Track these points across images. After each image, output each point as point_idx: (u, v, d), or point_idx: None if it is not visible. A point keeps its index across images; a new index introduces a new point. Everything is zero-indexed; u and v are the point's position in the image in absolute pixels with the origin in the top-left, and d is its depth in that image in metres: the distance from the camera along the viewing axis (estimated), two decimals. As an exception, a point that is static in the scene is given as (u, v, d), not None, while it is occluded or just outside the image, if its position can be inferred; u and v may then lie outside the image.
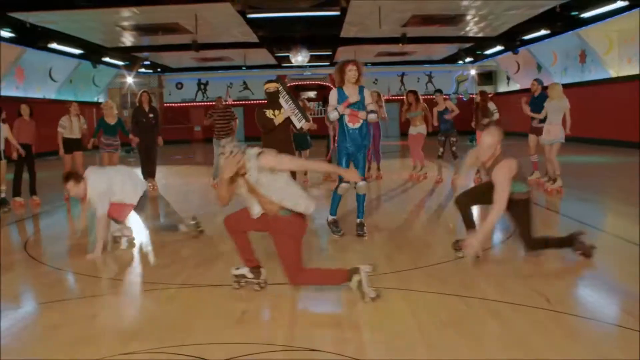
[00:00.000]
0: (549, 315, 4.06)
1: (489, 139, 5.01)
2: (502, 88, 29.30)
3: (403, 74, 31.30)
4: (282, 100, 7.33)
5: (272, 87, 7.42)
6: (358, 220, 6.88)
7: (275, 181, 4.27)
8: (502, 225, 7.68)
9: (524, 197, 5.14)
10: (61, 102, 21.47)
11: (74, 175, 6.11)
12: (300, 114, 7.26)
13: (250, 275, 4.78)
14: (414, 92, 11.88)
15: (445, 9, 15.66)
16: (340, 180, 6.73)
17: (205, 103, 31.68)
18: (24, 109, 10.13)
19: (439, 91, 11.92)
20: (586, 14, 16.09)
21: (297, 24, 17.48)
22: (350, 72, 6.48)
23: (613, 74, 19.09)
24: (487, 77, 29.95)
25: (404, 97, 11.96)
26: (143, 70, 27.21)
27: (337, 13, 15.02)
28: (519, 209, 5.15)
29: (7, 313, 4.37)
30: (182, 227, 6.87)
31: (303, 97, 32.91)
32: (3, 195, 9.56)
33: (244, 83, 31.60)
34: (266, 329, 3.98)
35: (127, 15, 15.53)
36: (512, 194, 4.96)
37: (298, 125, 7.31)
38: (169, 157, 19.80)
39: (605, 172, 13.04)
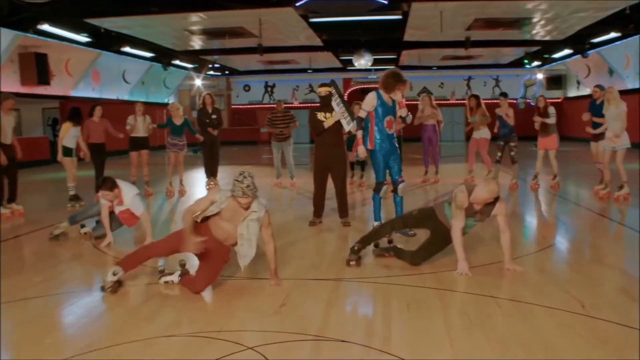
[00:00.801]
0: (580, 320, 4.08)
1: (485, 195, 5.18)
2: (572, 92, 28.53)
3: (469, 78, 30.96)
4: (333, 103, 7.54)
5: (324, 91, 7.65)
6: (376, 224, 6.99)
7: (255, 233, 4.85)
8: (545, 233, 7.69)
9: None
10: (132, 103, 22.55)
11: (109, 181, 6.65)
12: (349, 117, 7.43)
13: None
14: (476, 97, 11.87)
15: (509, 12, 15.47)
16: (380, 182, 6.92)
17: (272, 105, 32.30)
18: (98, 111, 10.67)
19: (504, 95, 11.84)
20: (659, 16, 15.57)
21: (359, 28, 17.65)
22: (400, 91, 6.73)
23: (689, 78, 18.36)
24: (555, 81, 29.22)
25: (467, 102, 11.97)
26: (212, 72, 28.02)
27: (399, 17, 15.11)
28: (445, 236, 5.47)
29: (82, 297, 4.81)
30: None
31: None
32: (73, 192, 10.13)
33: (310, 86, 31.99)
34: (301, 320, 4.16)
35: (195, 20, 16.12)
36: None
37: (347, 128, 7.49)
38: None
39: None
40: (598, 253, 6.40)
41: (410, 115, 7.12)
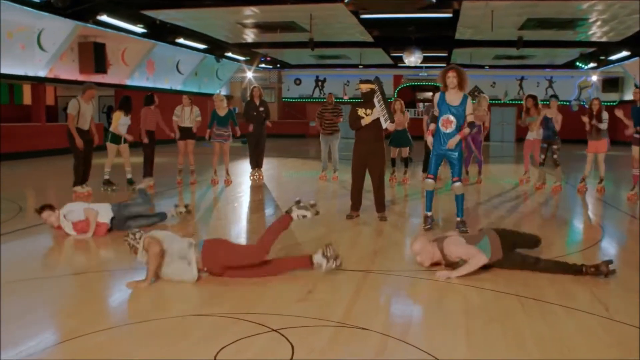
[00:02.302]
0: (602, 322, 4.12)
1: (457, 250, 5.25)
2: (629, 96, 27.69)
3: (522, 78, 30.46)
4: (375, 100, 7.65)
5: (365, 87, 7.77)
6: (458, 219, 7.18)
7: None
8: (578, 236, 7.63)
9: None
10: (184, 93, 23.08)
11: (48, 206, 6.84)
12: (387, 115, 7.53)
13: None
14: (533, 97, 11.79)
15: (562, 12, 15.22)
16: (426, 175, 7.26)
17: (322, 100, 32.53)
18: (156, 99, 11.18)
19: (555, 97, 11.70)
20: None
21: (410, 25, 17.64)
22: (449, 79, 6.86)
23: None
24: (612, 83, 28.45)
25: (524, 102, 11.92)
26: (263, 65, 28.39)
27: (449, 15, 15.06)
28: None
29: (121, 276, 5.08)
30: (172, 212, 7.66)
31: (419, 97, 33.00)
32: (129, 176, 10.72)
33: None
34: (325, 307, 4.32)
35: (247, 13, 16.42)
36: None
37: (384, 125, 7.60)
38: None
39: None
40: (634, 258, 6.34)
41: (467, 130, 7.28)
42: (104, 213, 6.85)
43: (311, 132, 32.22)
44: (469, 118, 7.07)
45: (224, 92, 28.42)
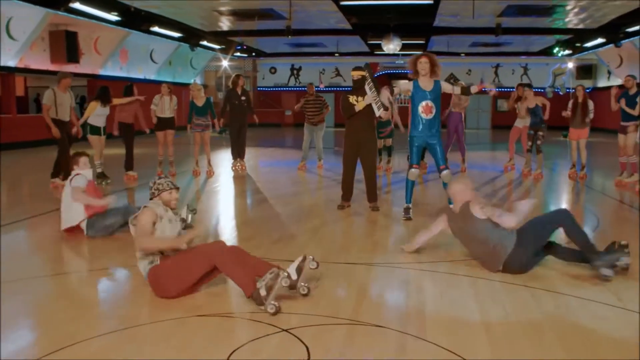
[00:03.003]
0: (617, 312, 4.03)
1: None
2: (602, 83, 28.01)
3: (498, 65, 30.56)
4: (366, 87, 7.46)
5: (357, 74, 7.58)
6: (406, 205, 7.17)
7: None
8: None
9: None
10: (159, 82, 22.63)
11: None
12: (380, 102, 7.36)
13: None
14: (522, 86, 11.87)
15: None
16: (410, 166, 7.10)
17: (297, 89, 32.27)
18: (135, 91, 10.83)
19: (528, 86, 11.75)
20: (700, 4, 15.16)
21: (389, 12, 17.47)
22: (421, 64, 6.82)
23: None
24: (586, 70, 28.71)
25: (515, 90, 11.96)
26: (238, 54, 27.99)
27: (431, 2, 14.93)
28: None
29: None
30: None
31: (394, 86, 32.91)
32: (100, 169, 10.23)
33: (336, 69, 31.87)
34: (333, 304, 4.15)
35: (224, 0, 16.07)
36: None
37: (377, 114, 7.43)
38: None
39: None
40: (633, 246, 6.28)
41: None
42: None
43: (287, 121, 32.02)
44: (457, 88, 7.07)
45: (198, 81, 27.93)
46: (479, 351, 3.38)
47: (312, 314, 3.89)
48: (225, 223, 7.41)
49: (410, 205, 7.16)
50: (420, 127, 6.92)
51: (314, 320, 3.80)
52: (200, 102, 11.30)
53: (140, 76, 23.29)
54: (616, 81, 25.95)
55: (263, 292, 3.86)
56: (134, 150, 10.96)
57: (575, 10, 16.85)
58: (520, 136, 11.90)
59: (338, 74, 31.89)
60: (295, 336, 3.52)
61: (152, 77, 24.12)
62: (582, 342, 3.52)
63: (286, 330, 3.59)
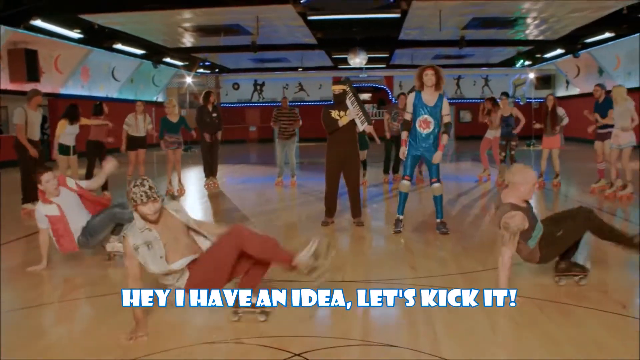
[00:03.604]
0: (625, 320, 4.03)
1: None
2: (561, 92, 28.66)
3: (459, 77, 30.98)
4: (348, 102, 7.41)
5: (338, 89, 7.50)
6: (438, 220, 7.08)
7: None
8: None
9: None
10: (122, 101, 22.23)
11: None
12: (363, 117, 7.33)
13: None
14: (492, 100, 12.08)
15: (507, 12, 15.46)
16: (402, 177, 7.09)
17: (261, 104, 32.14)
18: (105, 108, 10.57)
19: (506, 94, 11.91)
20: (656, 16, 15.62)
21: (355, 26, 17.54)
22: (427, 76, 6.72)
23: (683, 77, 18.49)
24: (545, 81, 29.37)
25: (483, 103, 12.12)
26: (201, 70, 27.73)
27: (398, 15, 15.04)
28: None
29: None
30: None
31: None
32: None
33: (300, 84, 31.84)
34: (340, 324, 4.04)
35: (190, 16, 15.89)
36: None
37: (361, 128, 7.40)
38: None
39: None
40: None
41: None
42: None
43: (251, 136, 31.82)
44: (446, 119, 6.95)
45: (160, 98, 27.59)
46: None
47: (321, 336, 3.78)
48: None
49: (402, 217, 7.11)
50: (417, 139, 6.88)
51: (324, 342, 3.68)
52: (174, 119, 11.11)
53: (102, 94, 22.81)
54: (574, 90, 26.65)
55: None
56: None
57: (536, 22, 17.17)
58: (491, 147, 12.02)
59: (301, 89, 31.87)
60: (309, 360, 3.40)
61: (114, 95, 23.68)
62: (600, 352, 3.50)
63: (299, 355, 3.47)
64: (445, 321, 4.04)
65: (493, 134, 11.86)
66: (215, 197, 10.99)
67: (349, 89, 7.47)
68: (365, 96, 31.88)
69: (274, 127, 12.43)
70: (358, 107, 7.33)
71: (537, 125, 11.09)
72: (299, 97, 31.55)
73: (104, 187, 10.49)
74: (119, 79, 24.11)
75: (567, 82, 27.93)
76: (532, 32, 18.79)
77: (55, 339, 3.91)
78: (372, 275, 5.28)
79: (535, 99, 25.60)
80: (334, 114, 7.49)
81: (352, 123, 7.43)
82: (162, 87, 28.52)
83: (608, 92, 10.14)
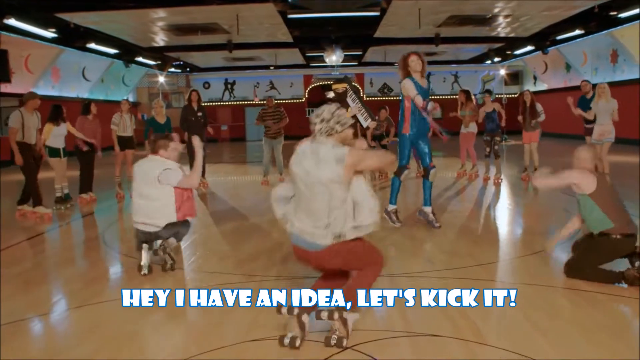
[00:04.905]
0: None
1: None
2: (529, 88, 29.30)
3: (429, 74, 31.23)
4: (349, 100, 7.50)
5: (341, 87, 7.60)
6: (429, 208, 7.21)
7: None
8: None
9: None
10: (93, 102, 21.85)
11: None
12: (366, 113, 7.43)
13: None
14: (466, 92, 12.12)
15: (482, 10, 15.75)
16: (404, 166, 7.14)
17: (232, 103, 31.99)
18: (93, 107, 10.38)
19: (488, 92, 12.10)
20: (624, 14, 16.11)
21: (332, 24, 17.64)
22: (413, 62, 6.88)
23: (647, 73, 19.08)
24: (513, 77, 29.98)
25: (458, 96, 12.24)
26: (172, 69, 27.49)
27: (377, 14, 15.18)
28: None
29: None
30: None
31: (328, 96, 33.06)
32: (66, 191, 9.81)
33: (271, 83, 31.79)
34: (381, 316, 4.14)
35: (166, 15, 15.75)
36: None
37: (365, 124, 7.50)
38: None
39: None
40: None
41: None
42: None
43: (223, 136, 31.63)
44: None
45: (130, 98, 27.23)
46: (550, 354, 3.45)
47: (366, 329, 3.84)
48: (218, 244, 7.18)
49: (397, 208, 7.23)
50: (417, 122, 7.00)
51: (370, 335, 3.76)
52: (161, 120, 11.00)
53: (73, 94, 22.45)
54: (542, 86, 27.26)
55: None
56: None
57: (508, 19, 17.53)
58: (468, 143, 12.18)
59: (273, 87, 31.83)
60: (362, 352, 3.47)
61: (85, 95, 23.26)
62: (631, 333, 3.66)
63: (351, 348, 3.54)
64: (480, 313, 4.09)
65: (468, 129, 12.00)
66: (207, 196, 10.95)
67: (349, 87, 7.56)
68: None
69: (257, 125, 12.43)
70: (360, 105, 7.42)
71: (521, 118, 11.29)
72: (270, 95, 31.44)
73: (89, 187, 10.36)
74: (90, 79, 23.74)
75: (535, 78, 28.55)
76: (504, 29, 19.16)
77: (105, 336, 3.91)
78: (391, 270, 5.30)
79: (505, 94, 26.08)
80: (335, 111, 7.54)
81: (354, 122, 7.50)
82: (132, 87, 28.16)
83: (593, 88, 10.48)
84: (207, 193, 11.32)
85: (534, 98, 11.40)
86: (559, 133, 22.87)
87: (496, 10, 15.94)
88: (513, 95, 27.89)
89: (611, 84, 10.48)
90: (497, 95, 27.43)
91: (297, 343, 3.57)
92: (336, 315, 3.57)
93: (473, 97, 12.34)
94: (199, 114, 11.72)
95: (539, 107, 11.30)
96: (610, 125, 9.82)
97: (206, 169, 12.21)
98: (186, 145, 11.76)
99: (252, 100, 31.18)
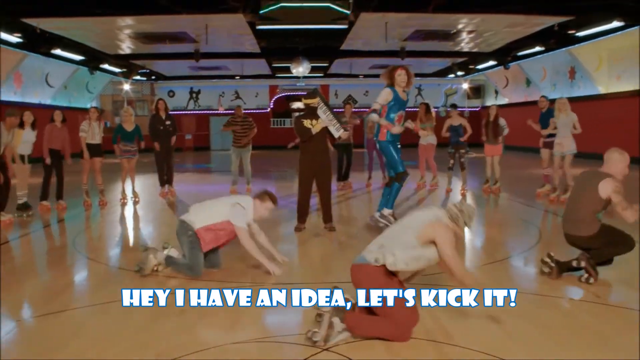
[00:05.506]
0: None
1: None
2: (490, 102, 29.98)
3: (393, 87, 31.81)
4: (320, 111, 7.64)
5: (313, 102, 7.69)
6: (391, 211, 7.47)
7: None
8: (515, 235, 8.08)
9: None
10: (55, 108, 21.55)
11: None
12: (338, 124, 7.59)
13: None
14: (426, 104, 12.39)
15: (448, 25, 16.16)
16: (403, 172, 7.43)
17: (197, 111, 31.93)
18: (57, 115, 10.32)
19: (454, 106, 12.38)
20: (581, 33, 16.75)
21: (299, 36, 17.85)
22: (400, 76, 7.15)
23: (602, 90, 19.80)
24: (475, 91, 30.66)
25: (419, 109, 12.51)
26: (137, 77, 27.34)
27: (345, 27, 15.43)
28: None
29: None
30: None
31: (293, 106, 33.27)
32: (25, 199, 9.62)
33: (236, 92, 31.85)
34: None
35: (134, 23, 15.73)
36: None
37: (336, 135, 7.65)
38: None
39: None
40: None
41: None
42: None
43: (187, 144, 31.50)
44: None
45: (94, 105, 26.93)
46: (511, 350, 3.65)
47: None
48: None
49: (393, 211, 7.52)
50: (395, 135, 7.29)
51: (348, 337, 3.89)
52: (129, 127, 11.02)
53: (36, 101, 22.15)
54: (503, 100, 27.93)
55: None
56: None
57: (472, 35, 18.00)
58: (427, 154, 12.50)
59: (238, 97, 31.89)
60: (339, 354, 3.61)
61: (48, 101, 23.00)
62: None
63: (327, 350, 3.68)
64: (446, 312, 4.29)
65: (426, 140, 12.29)
66: (175, 205, 10.95)
67: (319, 99, 7.71)
68: (301, 105, 32.19)
69: (224, 130, 12.53)
70: (332, 116, 7.58)
71: (484, 136, 11.64)
72: (235, 104, 31.45)
73: (60, 195, 10.29)
74: (53, 85, 23.46)
75: (497, 92, 29.25)
76: (468, 44, 19.66)
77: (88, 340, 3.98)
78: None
79: (468, 108, 26.66)
80: (306, 122, 7.70)
81: (324, 133, 7.67)
82: (95, 94, 27.90)
83: (551, 103, 10.86)
84: (175, 202, 11.31)
85: (499, 113, 11.73)
86: (518, 146, 23.47)
87: (460, 26, 16.38)
88: (475, 109, 28.58)
89: (570, 100, 10.88)
90: (460, 109, 28.08)
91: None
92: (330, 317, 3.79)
93: (433, 110, 12.67)
94: (167, 122, 11.77)
95: (502, 121, 11.62)
96: (570, 138, 10.19)
97: (173, 178, 12.21)
98: (155, 154, 11.84)
99: (217, 110, 31.18)
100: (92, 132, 10.66)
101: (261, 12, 12.15)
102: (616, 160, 5.24)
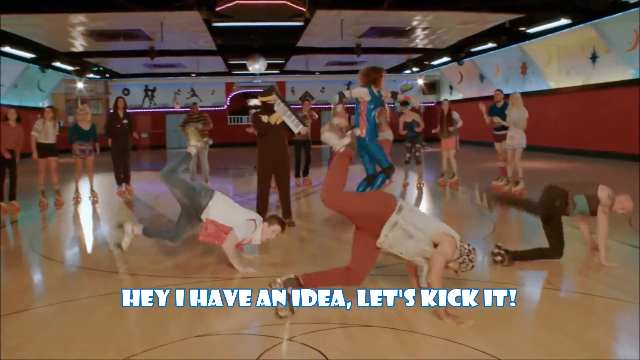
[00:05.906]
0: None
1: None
2: (446, 97, 30.49)
3: (349, 83, 32.00)
4: (277, 108, 7.71)
5: (270, 99, 7.75)
6: None
7: None
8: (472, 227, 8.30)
9: None
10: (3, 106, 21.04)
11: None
12: (297, 120, 7.68)
13: None
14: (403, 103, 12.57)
15: (402, 22, 16.39)
16: (390, 166, 7.66)
17: (152, 109, 31.56)
18: (11, 114, 10.13)
19: (406, 103, 12.56)
20: (532, 30, 17.21)
21: (256, 33, 17.86)
22: (384, 79, 7.54)
23: (553, 85, 20.38)
24: (431, 86, 31.14)
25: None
26: (91, 75, 26.86)
27: (301, 24, 15.51)
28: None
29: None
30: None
31: (250, 104, 33.18)
32: None
33: (192, 90, 31.60)
34: (318, 311, 4.30)
35: (88, 21, 15.49)
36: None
37: (295, 130, 7.74)
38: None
39: (557, 177, 13.97)
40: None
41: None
42: None
43: (143, 143, 31.07)
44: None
45: (46, 104, 26.36)
46: (466, 335, 3.82)
47: (303, 323, 4.07)
48: (155, 255, 7.11)
49: None
50: (375, 130, 7.49)
51: (307, 327, 3.98)
52: (86, 126, 10.89)
53: (-16, 100, 21.55)
54: (457, 96, 28.44)
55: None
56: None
57: (426, 32, 18.29)
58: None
59: (194, 94, 31.64)
60: (300, 343, 3.71)
61: (-2, 101, 22.40)
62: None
63: (288, 340, 3.78)
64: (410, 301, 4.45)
65: (383, 135, 12.40)
66: (132, 204, 10.88)
67: (276, 97, 7.78)
68: (258, 102, 32.09)
69: (183, 132, 12.45)
70: (290, 112, 7.66)
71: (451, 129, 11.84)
72: (191, 102, 31.18)
73: (12, 196, 10.10)
74: (3, 84, 22.78)
75: (451, 88, 29.76)
76: (422, 41, 19.96)
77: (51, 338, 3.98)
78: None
79: (423, 103, 27.02)
80: (264, 118, 7.76)
81: (282, 127, 7.75)
82: (47, 93, 27.28)
83: (506, 97, 11.16)
84: (133, 200, 11.22)
85: (451, 107, 12.01)
86: (473, 140, 23.95)
87: (415, 23, 16.63)
88: (430, 104, 29.03)
89: (522, 94, 11.18)
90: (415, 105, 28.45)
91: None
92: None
93: (387, 106, 12.80)
94: (125, 121, 11.71)
95: (456, 115, 11.90)
96: (521, 133, 10.48)
97: (130, 177, 12.10)
98: (111, 153, 11.73)
99: (173, 107, 30.87)
100: (46, 132, 10.48)
101: (218, 9, 12.12)
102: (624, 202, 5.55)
